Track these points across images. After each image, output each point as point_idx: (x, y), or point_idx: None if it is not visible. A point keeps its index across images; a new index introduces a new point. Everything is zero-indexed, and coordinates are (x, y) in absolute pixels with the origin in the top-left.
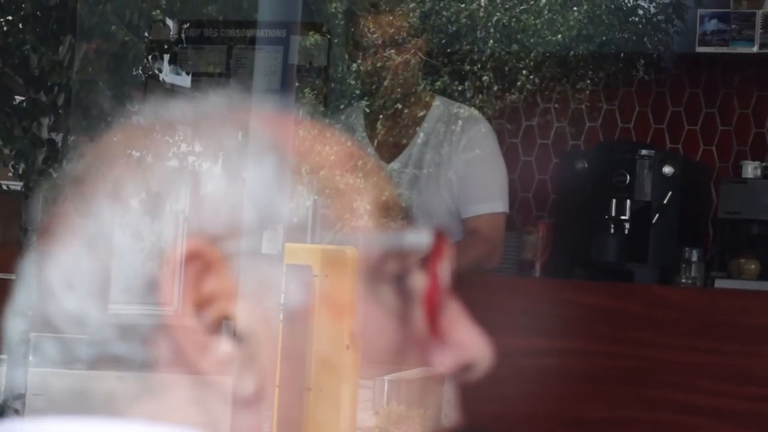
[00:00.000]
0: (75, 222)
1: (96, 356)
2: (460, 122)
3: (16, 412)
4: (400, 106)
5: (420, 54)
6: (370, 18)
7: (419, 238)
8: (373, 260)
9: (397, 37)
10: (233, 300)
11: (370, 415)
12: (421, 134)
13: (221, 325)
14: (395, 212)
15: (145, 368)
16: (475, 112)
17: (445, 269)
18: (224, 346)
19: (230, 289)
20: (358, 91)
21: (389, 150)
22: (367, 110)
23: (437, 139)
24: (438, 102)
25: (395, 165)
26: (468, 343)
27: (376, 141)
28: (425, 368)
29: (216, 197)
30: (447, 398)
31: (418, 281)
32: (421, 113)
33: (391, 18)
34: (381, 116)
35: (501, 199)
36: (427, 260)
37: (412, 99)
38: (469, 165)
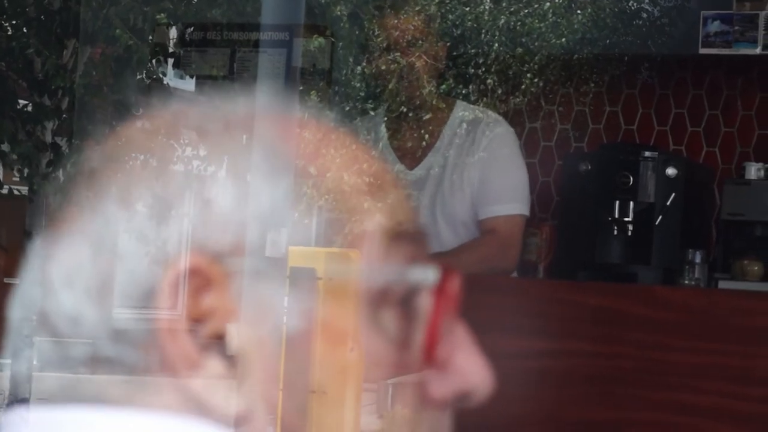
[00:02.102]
0: (78, 225)
1: (99, 360)
2: (481, 125)
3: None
4: (405, 109)
5: (425, 57)
6: (375, 20)
7: (426, 274)
8: (376, 288)
9: (401, 41)
10: (229, 318)
11: (374, 418)
12: (443, 139)
13: (214, 342)
14: (401, 216)
15: (144, 374)
16: (496, 115)
17: (450, 301)
18: (214, 364)
19: (227, 307)
20: (362, 93)
21: (411, 156)
22: (384, 115)
23: (459, 142)
24: (458, 106)
25: (418, 171)
26: (468, 371)
27: (397, 147)
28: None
29: (220, 204)
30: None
31: (421, 309)
32: (441, 118)
33: (396, 21)
34: (399, 121)
35: (519, 201)
36: (433, 292)
37: (421, 102)
38: (488, 166)
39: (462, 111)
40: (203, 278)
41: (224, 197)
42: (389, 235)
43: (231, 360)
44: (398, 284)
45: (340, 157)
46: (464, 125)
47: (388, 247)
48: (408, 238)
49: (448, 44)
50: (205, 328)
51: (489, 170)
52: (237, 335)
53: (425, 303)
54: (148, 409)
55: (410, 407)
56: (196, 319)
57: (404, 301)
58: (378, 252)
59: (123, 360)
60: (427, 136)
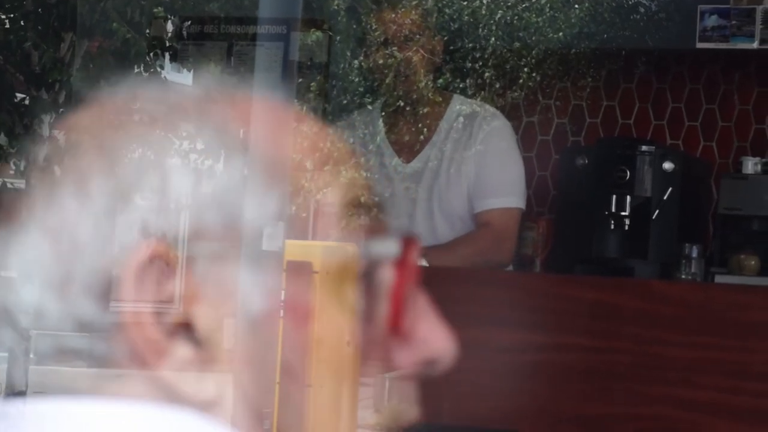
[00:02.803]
0: (72, 219)
1: (66, 352)
2: (477, 118)
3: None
4: (402, 103)
5: (422, 52)
6: (372, 15)
7: (387, 245)
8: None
9: (399, 35)
10: (194, 303)
11: (371, 412)
12: (440, 132)
13: (181, 328)
14: (369, 211)
15: (114, 365)
16: (493, 108)
17: (412, 271)
18: (182, 349)
19: (192, 293)
20: (362, 88)
21: (408, 149)
22: (380, 109)
23: (455, 136)
24: (455, 100)
25: (415, 164)
26: (431, 339)
27: (393, 141)
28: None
29: (185, 196)
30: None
31: (384, 280)
32: (438, 111)
33: (393, 15)
34: (396, 116)
35: (515, 195)
36: (395, 263)
37: (418, 96)
38: (484, 160)
39: (459, 105)
40: (165, 265)
41: (187, 183)
42: (347, 210)
43: (198, 346)
44: (360, 258)
45: (336, 151)
46: (461, 119)
47: (347, 222)
48: (366, 212)
49: (446, 38)
50: (170, 316)
51: (485, 163)
52: (204, 321)
53: (387, 275)
54: (121, 399)
55: (407, 401)
56: (161, 306)
57: (366, 274)
58: (337, 227)
59: (92, 352)
60: (425, 130)
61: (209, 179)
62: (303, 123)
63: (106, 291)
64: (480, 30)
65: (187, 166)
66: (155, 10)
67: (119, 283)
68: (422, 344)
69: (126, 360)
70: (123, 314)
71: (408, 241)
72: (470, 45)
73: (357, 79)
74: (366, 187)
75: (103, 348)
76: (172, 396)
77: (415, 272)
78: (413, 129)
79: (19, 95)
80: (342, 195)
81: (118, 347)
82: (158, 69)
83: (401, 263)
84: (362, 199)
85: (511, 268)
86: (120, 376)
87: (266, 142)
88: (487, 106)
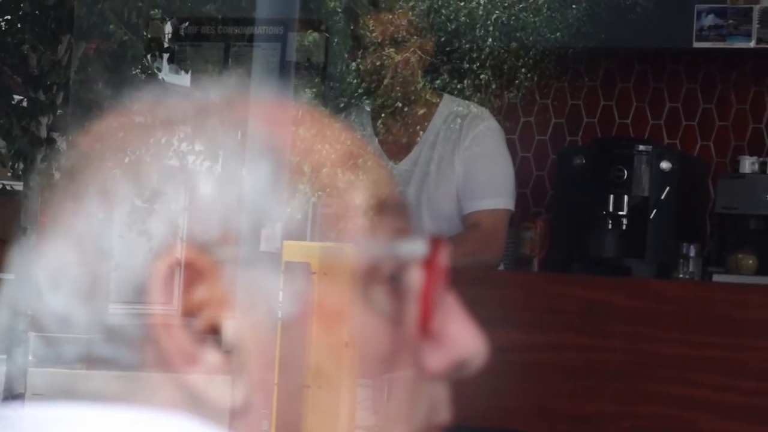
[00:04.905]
0: (72, 221)
1: (93, 357)
2: (467, 119)
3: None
4: (400, 104)
5: (419, 53)
6: (370, 16)
7: (415, 246)
8: (366, 266)
9: (397, 36)
10: (222, 309)
11: (370, 414)
12: (429, 133)
13: (209, 334)
14: (395, 211)
15: (140, 370)
16: (483, 109)
17: (440, 272)
18: (211, 355)
19: (220, 298)
20: (362, 90)
21: (397, 149)
22: (370, 110)
23: (445, 136)
24: (445, 100)
25: (404, 164)
26: (462, 340)
27: (383, 141)
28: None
29: (210, 200)
30: (441, 395)
31: (413, 282)
32: (428, 112)
33: (391, 16)
34: (388, 116)
35: (504, 196)
36: (423, 264)
37: (415, 97)
38: (473, 161)
39: (449, 105)
40: (194, 270)
41: (208, 186)
42: (373, 211)
43: (227, 352)
44: (387, 260)
45: (335, 152)
46: (451, 119)
47: (373, 224)
48: (392, 213)
49: (442, 39)
50: (199, 321)
51: (474, 165)
52: (232, 327)
53: (416, 276)
54: (145, 405)
55: (406, 403)
56: (188, 313)
57: (394, 276)
58: (364, 229)
59: (118, 357)
60: (420, 131)
61: (233, 183)
62: (299, 124)
63: (136, 297)
64: (477, 30)
65: (210, 170)
66: (152, 11)
67: (147, 289)
68: (453, 345)
69: (153, 366)
70: (152, 319)
71: (435, 242)
72: (467, 45)
73: (355, 81)
74: (389, 186)
75: (129, 353)
76: (199, 402)
77: (443, 273)
78: (404, 130)
79: (17, 97)
80: (365, 196)
81: (146, 353)
82: (156, 71)
83: (429, 264)
84: (392, 202)
85: (502, 267)
86: (120, 378)
87: (265, 142)
88: (478, 107)
